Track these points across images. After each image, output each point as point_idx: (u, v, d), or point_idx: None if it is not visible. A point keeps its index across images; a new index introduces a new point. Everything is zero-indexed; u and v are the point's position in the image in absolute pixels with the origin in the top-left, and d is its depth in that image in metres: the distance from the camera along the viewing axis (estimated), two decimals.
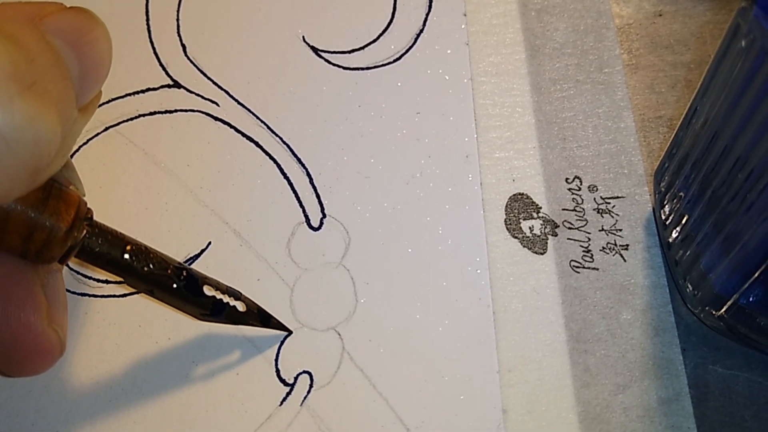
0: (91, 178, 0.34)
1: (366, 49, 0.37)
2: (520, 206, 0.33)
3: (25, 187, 0.19)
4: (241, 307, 0.29)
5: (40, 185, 0.21)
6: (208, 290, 0.28)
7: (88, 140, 0.36)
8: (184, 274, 0.27)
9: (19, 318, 0.23)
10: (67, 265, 0.33)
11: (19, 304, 0.23)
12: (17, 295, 0.23)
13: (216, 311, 0.28)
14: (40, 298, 0.23)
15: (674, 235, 0.30)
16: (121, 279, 0.26)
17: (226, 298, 0.29)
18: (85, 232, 0.24)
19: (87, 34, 0.20)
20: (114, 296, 0.32)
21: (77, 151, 0.35)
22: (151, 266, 0.26)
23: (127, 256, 0.25)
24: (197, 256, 0.33)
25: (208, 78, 0.37)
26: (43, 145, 0.18)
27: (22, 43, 0.18)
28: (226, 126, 0.36)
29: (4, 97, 0.17)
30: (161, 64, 0.37)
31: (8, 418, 0.30)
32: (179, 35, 0.38)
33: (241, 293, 0.29)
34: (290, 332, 0.31)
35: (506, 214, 0.33)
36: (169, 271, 0.27)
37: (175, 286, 0.27)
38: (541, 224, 0.33)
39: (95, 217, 0.25)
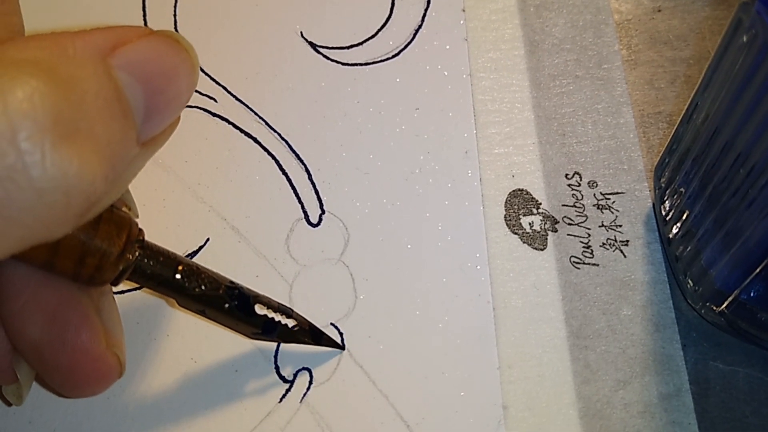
0: None
1: (364, 44, 0.37)
2: (519, 202, 0.33)
3: (69, 227, 0.18)
4: (291, 323, 0.29)
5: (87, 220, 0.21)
6: (259, 308, 0.27)
7: None
8: (236, 293, 0.27)
9: (76, 343, 0.22)
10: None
11: (76, 330, 0.22)
12: (73, 320, 0.22)
13: (268, 330, 0.28)
14: (96, 322, 0.23)
15: (675, 230, 0.30)
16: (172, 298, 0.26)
17: (278, 316, 0.28)
18: (137, 254, 0.24)
19: (163, 67, 0.19)
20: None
21: None
22: (203, 287, 0.26)
23: (179, 276, 0.25)
24: (195, 252, 0.33)
25: (206, 74, 0.36)
26: (82, 193, 0.17)
27: (75, 85, 0.17)
28: (224, 122, 0.35)
29: (37, 146, 0.16)
30: None
31: (5, 416, 0.30)
32: (176, 31, 0.38)
33: (292, 310, 0.29)
34: (343, 349, 0.30)
35: (506, 210, 0.33)
36: (221, 291, 0.26)
37: (227, 306, 0.26)
38: (541, 220, 0.32)
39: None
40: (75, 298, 0.23)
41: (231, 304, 0.26)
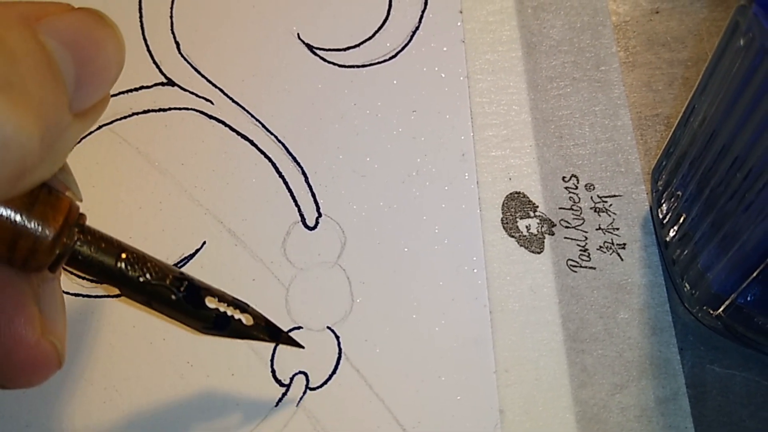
0: (84, 177, 0.34)
1: (361, 46, 0.37)
2: (516, 205, 0.33)
3: (5, 192, 0.18)
4: (247, 320, 0.27)
5: (25, 191, 0.20)
6: (210, 302, 0.26)
7: (82, 139, 0.35)
8: (185, 284, 0.25)
9: (9, 331, 0.22)
10: (63, 266, 0.33)
11: (9, 316, 0.22)
12: (7, 306, 0.22)
13: (220, 325, 0.26)
14: (32, 310, 0.22)
15: (672, 234, 0.30)
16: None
17: (231, 311, 0.27)
18: (75, 238, 0.22)
19: (89, 36, 0.19)
20: (108, 296, 0.32)
21: None
22: (148, 276, 0.24)
23: (121, 264, 0.24)
24: (192, 255, 0.33)
25: (202, 76, 0.36)
26: (15, 149, 0.17)
27: (4, 43, 0.17)
28: (220, 124, 0.35)
29: None
30: (155, 62, 0.37)
31: (2, 420, 0.30)
32: (173, 33, 0.38)
33: (248, 305, 0.27)
34: (302, 347, 0.29)
35: (503, 212, 0.33)
36: (167, 281, 0.25)
37: (174, 297, 0.25)
38: (538, 223, 0.32)
39: (90, 219, 0.24)
40: (11, 283, 0.22)
41: (178, 296, 0.25)
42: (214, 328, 0.26)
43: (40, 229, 0.21)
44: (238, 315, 0.27)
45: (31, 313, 0.22)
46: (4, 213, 0.20)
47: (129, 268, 0.24)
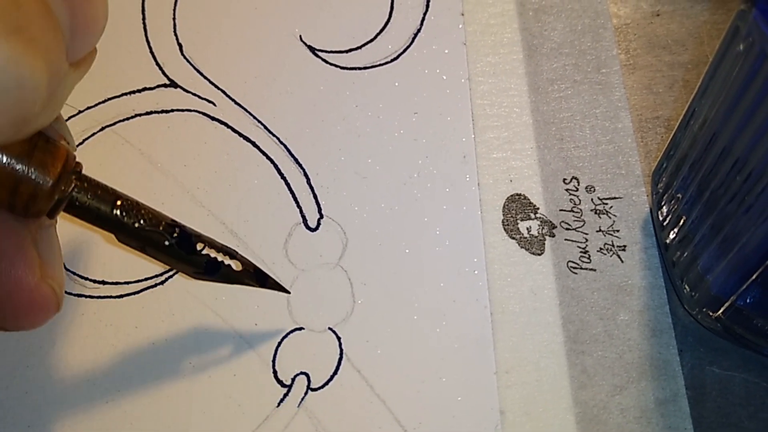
0: None
1: (363, 48, 0.37)
2: (517, 207, 0.33)
3: (10, 135, 0.19)
4: (236, 266, 0.29)
5: (25, 137, 0.21)
6: (201, 247, 0.27)
7: (84, 140, 0.35)
8: (177, 231, 0.26)
9: (10, 273, 0.23)
10: (65, 268, 0.33)
11: (10, 260, 0.22)
12: (8, 250, 0.22)
13: (210, 270, 0.28)
14: (32, 253, 0.23)
15: (672, 236, 0.30)
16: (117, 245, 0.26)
17: (221, 257, 0.28)
18: (73, 185, 0.23)
19: None
20: (110, 297, 0.32)
21: None
22: (142, 222, 0.25)
23: (117, 211, 0.25)
24: None
25: (205, 77, 0.37)
26: (28, 91, 0.18)
27: None
28: (222, 126, 0.35)
29: None
30: (157, 64, 0.37)
31: (4, 420, 0.30)
32: (176, 34, 0.38)
33: (236, 252, 0.29)
34: (288, 293, 0.31)
35: (504, 214, 0.33)
36: (161, 228, 0.26)
37: (167, 243, 0.26)
38: (539, 225, 0.32)
39: None
40: (11, 229, 0.23)
41: (171, 241, 0.26)
42: (205, 273, 0.28)
43: (39, 175, 0.22)
44: (228, 261, 0.28)
45: (31, 258, 0.23)
46: (6, 159, 0.21)
47: (124, 214, 0.25)
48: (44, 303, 0.23)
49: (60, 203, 0.23)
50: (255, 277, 0.29)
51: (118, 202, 0.25)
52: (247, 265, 0.29)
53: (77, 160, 0.24)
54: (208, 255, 0.28)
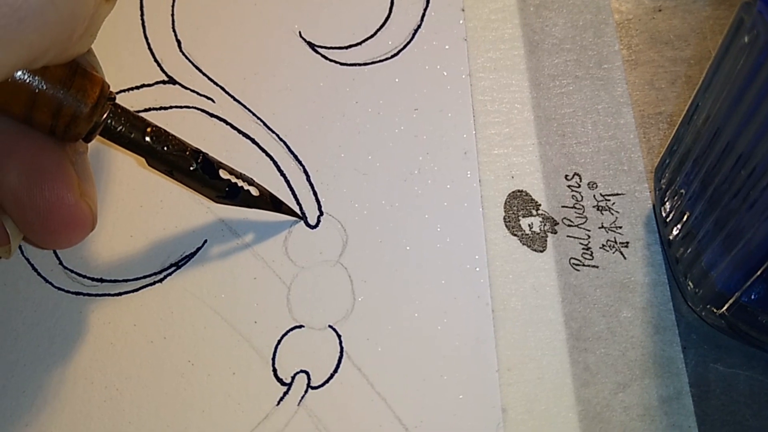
0: None
1: (363, 44, 0.37)
2: (519, 203, 0.33)
3: (58, 52, 0.21)
4: (254, 192, 0.31)
5: (67, 61, 0.23)
6: (223, 174, 0.29)
7: None
8: (201, 157, 0.28)
9: (53, 190, 0.24)
10: (62, 265, 0.33)
11: (52, 178, 0.24)
12: (50, 170, 0.24)
13: (231, 194, 0.30)
14: (71, 173, 0.25)
15: (675, 232, 0.30)
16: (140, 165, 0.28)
17: (240, 182, 0.30)
18: (108, 111, 0.25)
19: None
20: (108, 295, 0.32)
21: None
22: (169, 147, 0.27)
23: (148, 137, 0.27)
24: (193, 254, 0.32)
25: (204, 74, 0.36)
26: (80, 8, 0.20)
27: None
28: (221, 122, 0.35)
29: None
30: (156, 60, 0.37)
31: (2, 418, 0.30)
32: (174, 31, 0.37)
33: (254, 180, 0.31)
34: (300, 218, 0.33)
35: (505, 211, 0.33)
36: (187, 153, 0.28)
37: (192, 168, 0.28)
38: (541, 221, 0.32)
39: None
40: (51, 150, 0.24)
41: (196, 166, 0.28)
42: (226, 197, 0.30)
43: (79, 99, 0.24)
44: (246, 187, 0.31)
45: (70, 177, 0.25)
46: (49, 84, 0.23)
47: (155, 140, 0.27)
48: (82, 219, 0.25)
49: (97, 127, 0.25)
50: (271, 202, 0.32)
51: (149, 129, 0.27)
52: (264, 193, 0.31)
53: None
54: (229, 180, 0.30)
